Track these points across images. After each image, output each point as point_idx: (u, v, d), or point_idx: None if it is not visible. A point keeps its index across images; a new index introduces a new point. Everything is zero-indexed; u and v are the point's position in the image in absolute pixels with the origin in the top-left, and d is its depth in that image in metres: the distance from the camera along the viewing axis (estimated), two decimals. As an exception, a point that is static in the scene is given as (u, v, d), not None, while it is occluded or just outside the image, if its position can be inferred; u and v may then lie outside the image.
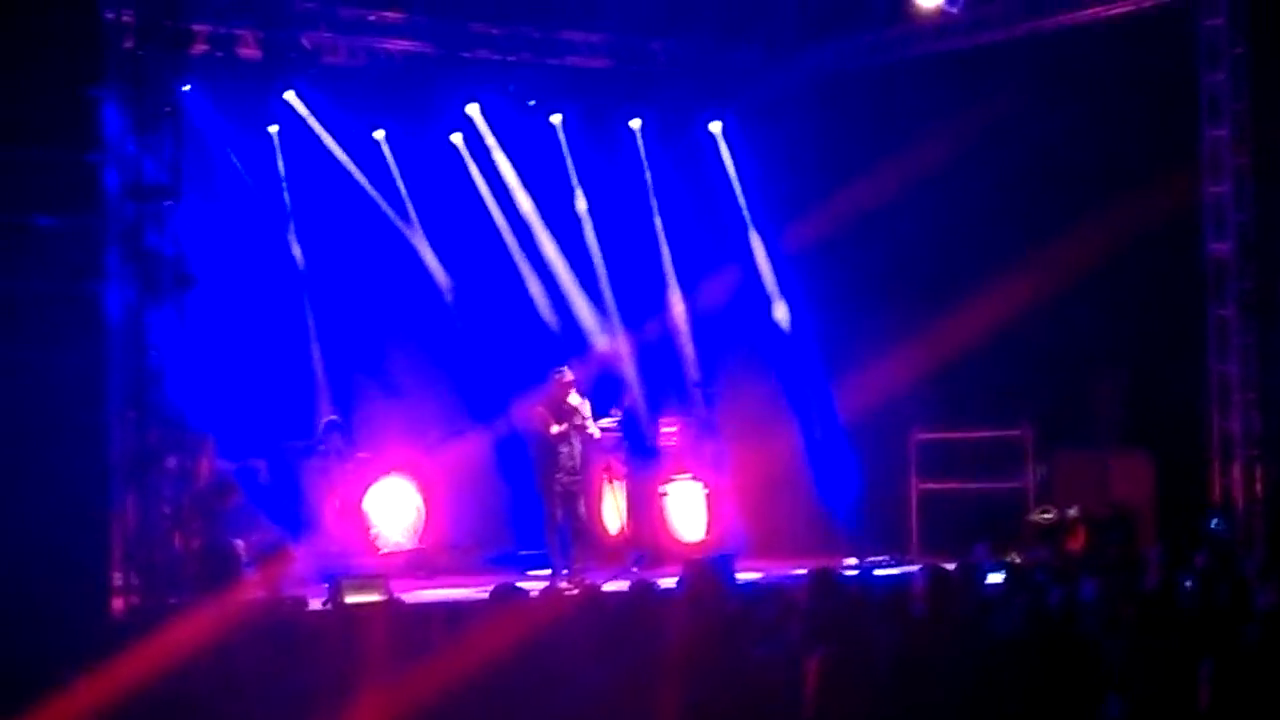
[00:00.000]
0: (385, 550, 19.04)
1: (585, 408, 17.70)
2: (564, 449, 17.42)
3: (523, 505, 19.11)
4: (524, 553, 18.81)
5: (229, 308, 18.54)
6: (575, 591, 13.77)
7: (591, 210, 21.67)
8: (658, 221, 21.92)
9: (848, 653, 9.00)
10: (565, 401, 17.52)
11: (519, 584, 11.18)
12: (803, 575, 10.93)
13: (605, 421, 18.76)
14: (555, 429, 17.40)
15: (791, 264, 21.61)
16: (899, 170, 19.25)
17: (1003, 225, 19.20)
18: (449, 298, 20.95)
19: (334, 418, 19.40)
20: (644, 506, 20.11)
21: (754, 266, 21.86)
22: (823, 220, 20.25)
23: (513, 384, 20.05)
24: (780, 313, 21.68)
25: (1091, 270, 18.23)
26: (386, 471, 19.35)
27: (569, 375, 17.73)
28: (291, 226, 20.14)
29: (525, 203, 21.32)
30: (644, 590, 10.55)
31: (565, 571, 17.10)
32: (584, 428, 17.58)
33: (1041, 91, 18.98)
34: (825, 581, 10.54)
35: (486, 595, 10.80)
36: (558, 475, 17.39)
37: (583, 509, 17.62)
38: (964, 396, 19.76)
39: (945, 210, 19.69)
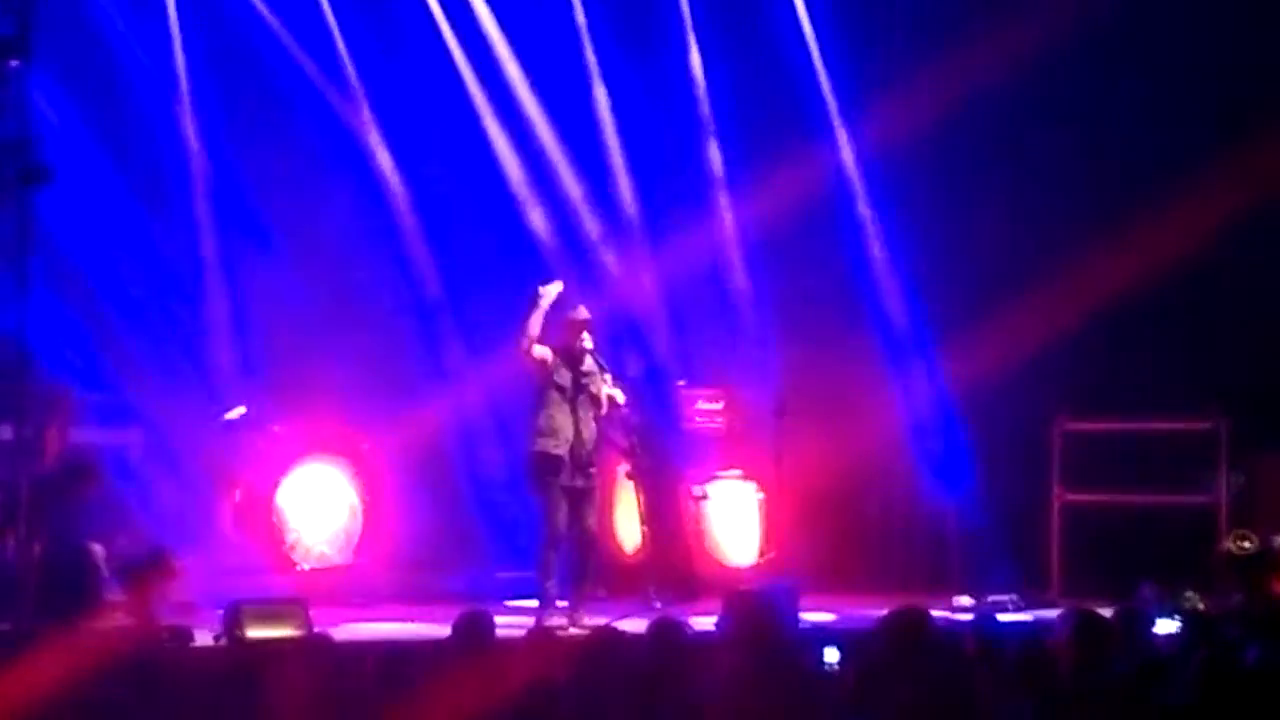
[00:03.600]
0: (305, 565, 19.07)
1: (599, 374, 17.32)
2: (563, 421, 17.00)
3: (503, 506, 19.16)
4: (502, 574, 18.91)
5: (97, 214, 18.58)
6: (574, 632, 13.75)
7: (611, 92, 21.65)
8: (703, 109, 21.88)
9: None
10: (576, 353, 17.12)
11: (495, 618, 11.19)
12: (884, 620, 10.76)
13: (615, 393, 17.72)
14: (557, 376, 16.86)
15: (884, 169, 21.47)
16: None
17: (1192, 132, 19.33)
18: (404, 208, 20.94)
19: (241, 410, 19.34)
20: (671, 514, 20.05)
21: (838, 170, 21.70)
22: (927, 110, 20.12)
23: (493, 332, 19.89)
24: (869, 237, 21.59)
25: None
26: (310, 453, 19.41)
27: (584, 315, 17.33)
28: (186, 106, 20.14)
29: (517, 78, 21.31)
30: (670, 634, 10.54)
31: (561, 603, 16.98)
32: (596, 396, 17.21)
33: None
34: (912, 629, 10.42)
35: (447, 633, 10.80)
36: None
37: (592, 517, 17.27)
38: (1128, 373, 19.75)
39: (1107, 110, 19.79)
